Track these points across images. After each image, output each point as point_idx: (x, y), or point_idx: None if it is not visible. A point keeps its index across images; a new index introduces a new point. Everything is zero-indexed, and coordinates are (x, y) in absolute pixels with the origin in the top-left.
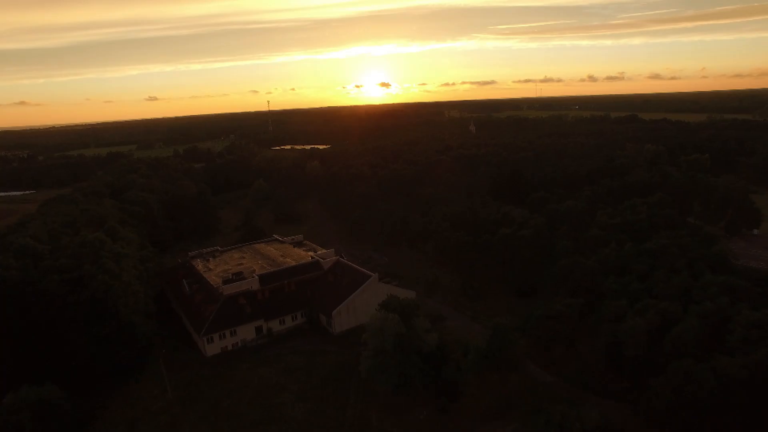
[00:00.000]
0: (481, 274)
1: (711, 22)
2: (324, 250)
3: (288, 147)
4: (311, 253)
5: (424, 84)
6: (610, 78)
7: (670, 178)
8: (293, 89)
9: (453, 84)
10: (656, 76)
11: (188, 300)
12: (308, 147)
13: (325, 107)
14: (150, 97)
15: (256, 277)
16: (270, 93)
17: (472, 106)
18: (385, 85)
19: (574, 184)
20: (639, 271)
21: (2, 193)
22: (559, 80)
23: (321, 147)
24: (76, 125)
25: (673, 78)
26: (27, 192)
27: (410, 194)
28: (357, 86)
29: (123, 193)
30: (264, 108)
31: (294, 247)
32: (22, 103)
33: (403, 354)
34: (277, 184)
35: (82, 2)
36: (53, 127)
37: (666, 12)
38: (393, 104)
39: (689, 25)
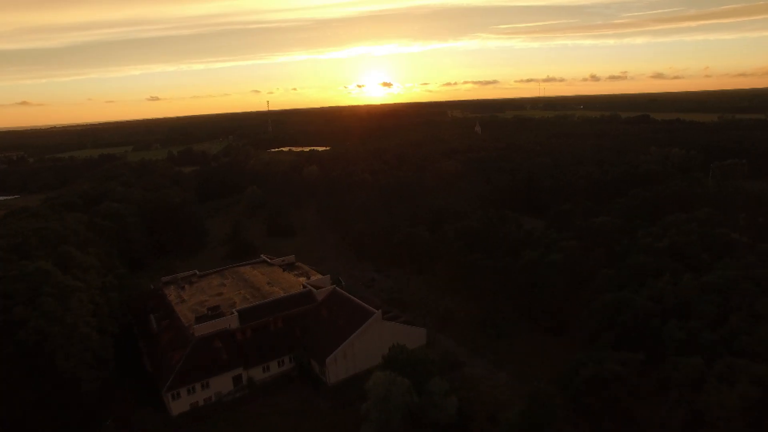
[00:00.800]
0: (502, 306)
1: (714, 21)
2: (318, 275)
3: (286, 149)
4: (303, 279)
5: (426, 84)
6: (612, 77)
7: (708, 187)
8: (295, 89)
9: (455, 84)
10: (659, 76)
11: (155, 340)
12: (307, 149)
13: (327, 107)
14: (152, 97)
15: (236, 313)
16: (272, 93)
17: (475, 105)
18: (386, 84)
19: (600, 195)
20: (707, 315)
21: None
22: (562, 80)
23: (320, 149)
24: (77, 125)
25: (676, 77)
26: (9, 197)
27: (416, 204)
28: (359, 86)
29: (98, 204)
30: (265, 108)
31: (284, 270)
32: (24, 103)
33: (415, 429)
34: (272, 190)
35: (85, 2)
36: (54, 127)
37: (669, 11)
38: (395, 104)
39: (692, 24)
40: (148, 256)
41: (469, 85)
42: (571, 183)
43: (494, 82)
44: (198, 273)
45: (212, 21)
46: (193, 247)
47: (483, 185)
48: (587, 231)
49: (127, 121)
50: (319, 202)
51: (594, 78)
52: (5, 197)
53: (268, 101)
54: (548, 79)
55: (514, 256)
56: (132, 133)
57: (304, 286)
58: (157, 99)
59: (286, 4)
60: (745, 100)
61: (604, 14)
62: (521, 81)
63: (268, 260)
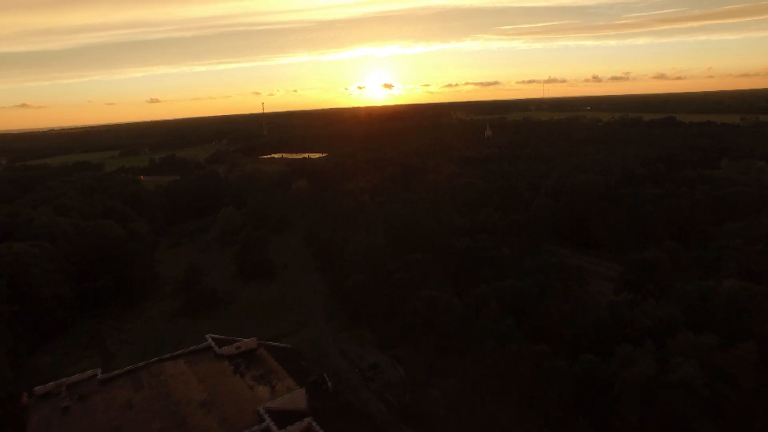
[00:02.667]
0: None
1: (717, 22)
2: (288, 379)
3: (278, 155)
4: (262, 391)
5: (427, 85)
6: (614, 78)
7: None
8: (295, 90)
9: (456, 85)
10: (661, 76)
11: None
12: (302, 156)
13: (326, 109)
14: (151, 99)
15: None
16: (272, 94)
17: (478, 107)
18: (388, 86)
19: (678, 229)
20: None
21: None
22: (563, 81)
23: (316, 156)
24: (74, 128)
25: (678, 78)
26: None
27: (433, 244)
28: (359, 87)
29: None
30: (268, 109)
31: (235, 371)
32: (24, 105)
33: None
34: (252, 211)
35: (90, 5)
36: (52, 129)
37: (672, 11)
38: (396, 105)
39: (695, 24)
40: (70, 315)
41: (471, 87)
42: (634, 212)
43: (496, 83)
44: (100, 375)
45: (216, 23)
46: (137, 298)
47: (515, 210)
48: (699, 306)
49: (124, 124)
50: (308, 227)
51: (596, 79)
52: None
53: (263, 103)
54: (550, 80)
55: (601, 352)
56: (125, 136)
57: (261, 415)
58: (157, 101)
59: (290, 6)
60: (762, 99)
61: (607, 15)
62: (523, 82)
63: (216, 347)
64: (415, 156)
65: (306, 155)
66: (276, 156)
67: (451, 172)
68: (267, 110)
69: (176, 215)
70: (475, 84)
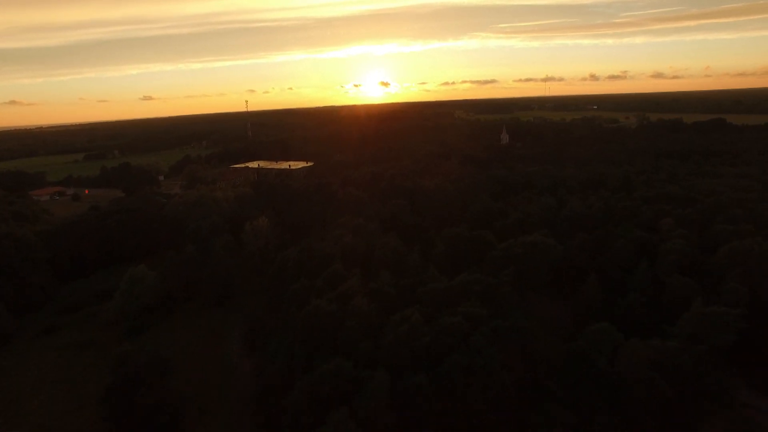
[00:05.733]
0: None
1: (714, 21)
2: None
3: (255, 165)
4: None
5: (423, 83)
6: (612, 77)
7: None
8: (291, 88)
9: (453, 83)
10: (659, 75)
11: None
12: (280, 167)
13: (321, 107)
14: (145, 96)
15: None
16: (267, 92)
17: (476, 105)
18: (384, 84)
19: None
20: None
21: None
22: (561, 79)
23: (300, 165)
24: (62, 125)
25: (675, 77)
26: None
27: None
28: (355, 85)
29: None
30: (261, 107)
31: None
32: (13, 102)
33: None
34: (169, 275)
35: (84, 0)
36: (40, 127)
37: (669, 10)
38: (393, 103)
39: (692, 23)
40: None
41: (468, 85)
42: None
43: (493, 81)
44: None
45: (213, 20)
46: None
47: (636, 313)
48: None
49: (112, 122)
50: (252, 325)
51: (593, 77)
52: None
53: (246, 101)
54: (547, 79)
55: None
56: (101, 136)
57: None
58: (150, 98)
59: (288, 4)
60: None
61: (605, 14)
62: (520, 80)
63: None
64: (423, 173)
65: (288, 165)
66: (251, 165)
67: (486, 209)
68: (260, 108)
69: (76, 267)
70: (472, 82)
